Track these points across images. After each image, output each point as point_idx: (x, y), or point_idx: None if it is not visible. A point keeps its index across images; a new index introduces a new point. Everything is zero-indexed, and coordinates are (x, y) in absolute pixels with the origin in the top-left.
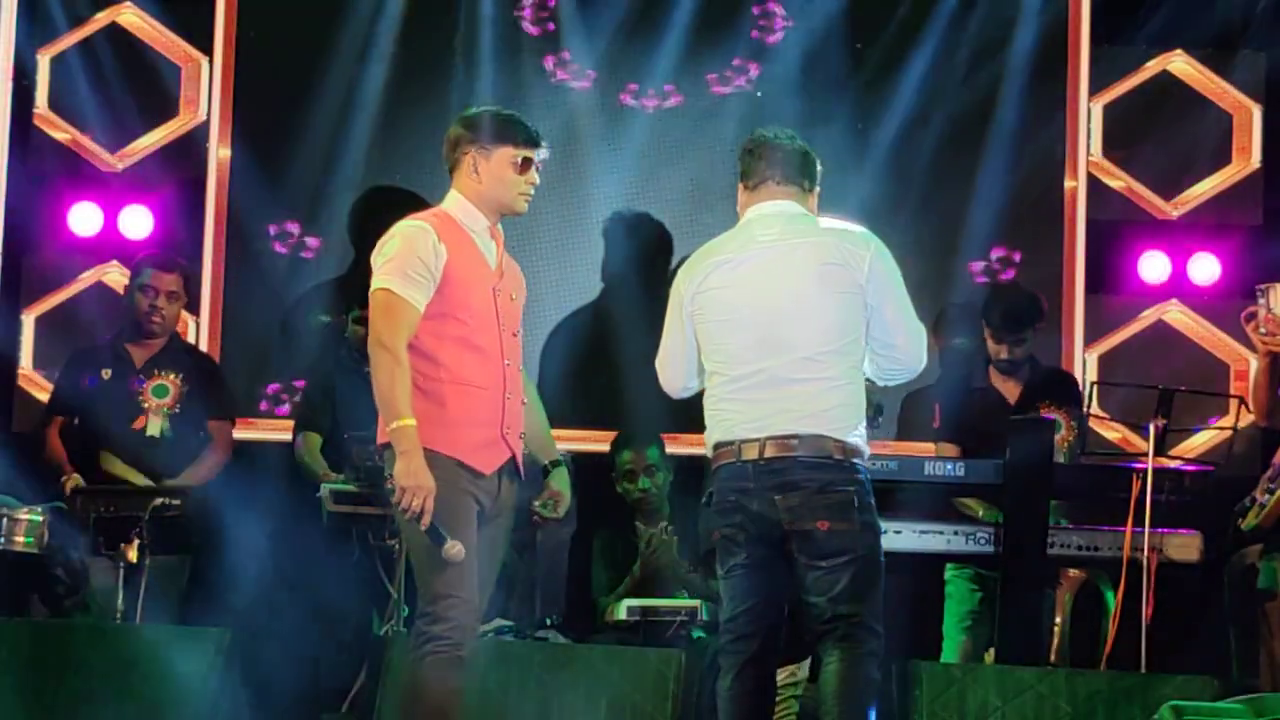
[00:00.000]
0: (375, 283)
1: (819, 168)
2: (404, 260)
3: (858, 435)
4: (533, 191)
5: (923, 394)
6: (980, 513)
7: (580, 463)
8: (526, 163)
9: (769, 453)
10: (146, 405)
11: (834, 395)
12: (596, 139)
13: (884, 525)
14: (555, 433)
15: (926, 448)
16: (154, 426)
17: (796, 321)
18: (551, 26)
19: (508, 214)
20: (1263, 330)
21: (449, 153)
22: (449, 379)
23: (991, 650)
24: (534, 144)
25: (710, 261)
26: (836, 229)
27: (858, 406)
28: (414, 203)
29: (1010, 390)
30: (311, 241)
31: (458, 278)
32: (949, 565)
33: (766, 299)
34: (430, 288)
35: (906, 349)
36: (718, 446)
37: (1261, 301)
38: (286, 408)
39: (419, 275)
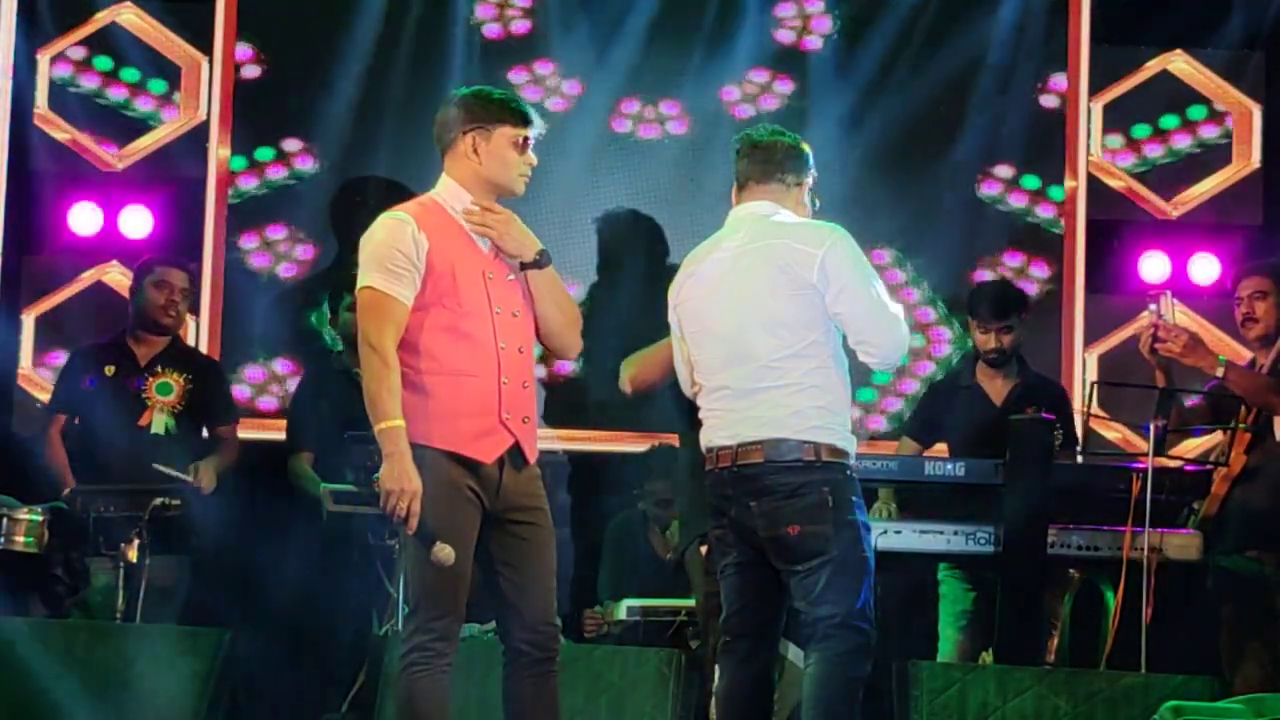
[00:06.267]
0: (359, 281)
1: (809, 160)
2: (385, 255)
3: (833, 435)
4: (530, 172)
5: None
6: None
7: (582, 462)
8: (526, 142)
9: (740, 460)
10: (151, 403)
11: (800, 398)
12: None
13: (883, 525)
14: (556, 432)
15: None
16: (159, 424)
17: (753, 331)
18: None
19: (506, 195)
20: (1156, 338)
21: (442, 134)
22: (437, 369)
23: (989, 650)
24: (530, 123)
25: (685, 273)
26: (794, 228)
27: (830, 406)
28: (403, 193)
29: (997, 390)
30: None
31: (443, 266)
32: (941, 565)
33: (724, 311)
34: (415, 279)
35: (879, 340)
36: (705, 453)
37: (1153, 309)
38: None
39: (402, 269)
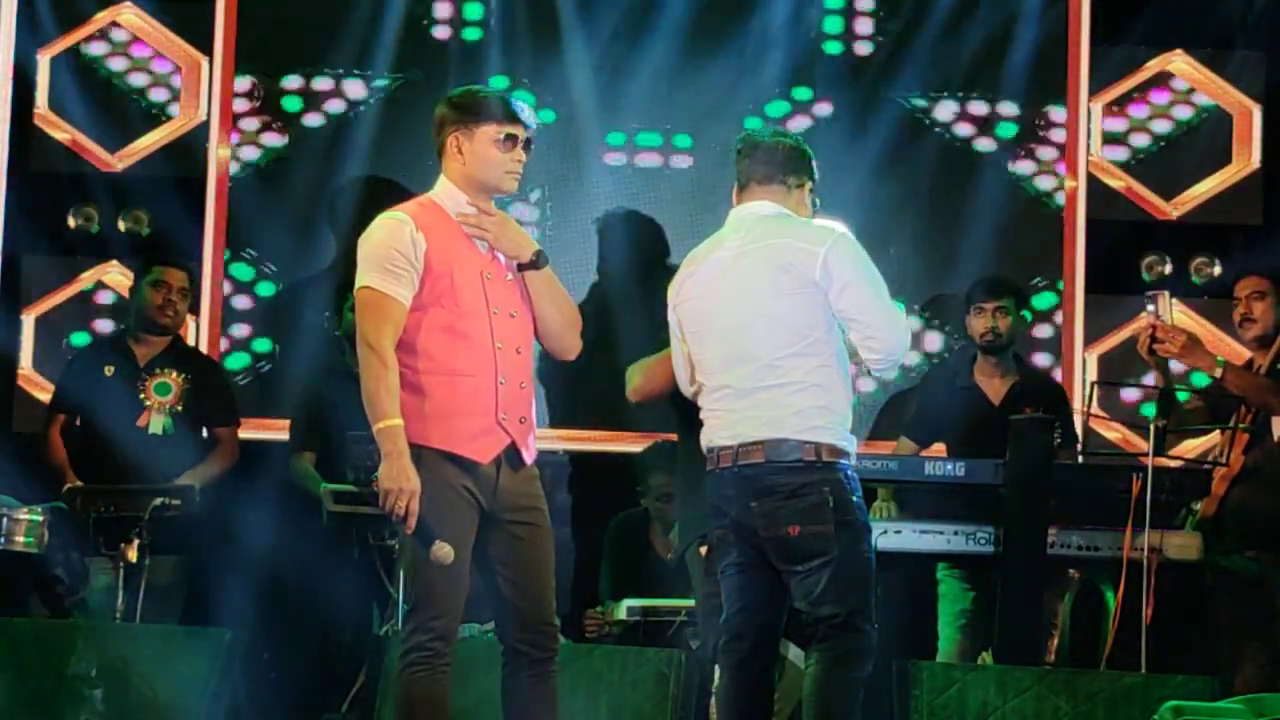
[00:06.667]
0: (358, 281)
1: (811, 162)
2: (383, 255)
3: (834, 434)
4: (520, 169)
5: (909, 393)
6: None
7: (582, 462)
8: (510, 139)
9: (741, 460)
10: (149, 403)
11: (801, 398)
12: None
13: (883, 525)
14: (557, 433)
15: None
16: (156, 424)
17: (755, 330)
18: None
19: (496, 194)
20: (1154, 338)
21: (435, 136)
22: (434, 369)
23: (989, 650)
24: (517, 120)
25: (685, 272)
26: (796, 227)
27: (831, 406)
28: (402, 194)
29: (995, 389)
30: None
31: (441, 266)
32: (940, 565)
33: (727, 310)
34: (413, 279)
35: (882, 338)
36: (706, 453)
37: (1150, 309)
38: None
39: (400, 269)
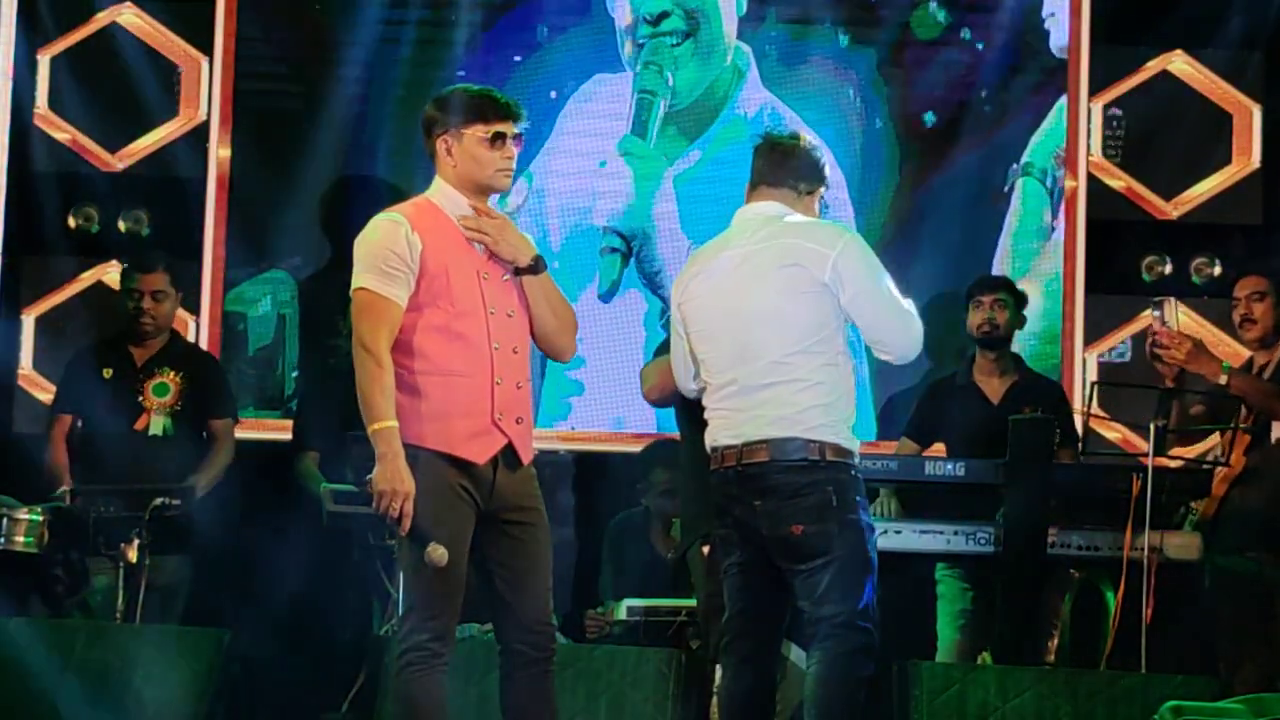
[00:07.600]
0: (354, 282)
1: (824, 170)
2: (379, 257)
3: (837, 434)
4: (512, 166)
5: (908, 393)
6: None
7: (583, 462)
8: (499, 138)
9: (745, 459)
10: (148, 405)
11: (806, 396)
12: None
13: (883, 525)
14: (559, 433)
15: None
16: (156, 426)
17: (762, 327)
18: None
19: (490, 193)
20: (1159, 344)
21: (425, 138)
22: (430, 370)
23: (988, 650)
24: (505, 117)
25: (690, 271)
26: (805, 228)
27: (835, 404)
28: (398, 195)
29: (994, 389)
30: None
31: (436, 266)
32: (939, 565)
33: (733, 308)
34: (409, 280)
35: (892, 339)
36: (710, 452)
37: (1156, 315)
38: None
39: (395, 270)
